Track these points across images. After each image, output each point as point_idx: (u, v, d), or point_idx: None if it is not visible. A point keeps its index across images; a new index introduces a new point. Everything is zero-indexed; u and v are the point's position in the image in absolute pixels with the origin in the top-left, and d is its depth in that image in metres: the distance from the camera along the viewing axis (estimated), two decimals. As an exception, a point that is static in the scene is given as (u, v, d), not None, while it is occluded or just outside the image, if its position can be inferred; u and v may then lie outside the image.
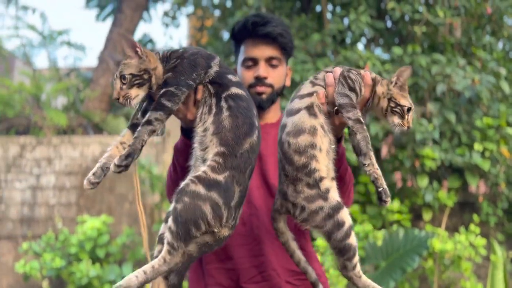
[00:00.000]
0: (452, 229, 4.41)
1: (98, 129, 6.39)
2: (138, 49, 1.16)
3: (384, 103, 1.19)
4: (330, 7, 5.27)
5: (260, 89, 1.62)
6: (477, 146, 4.09)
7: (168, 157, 5.11)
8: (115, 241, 4.48)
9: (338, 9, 5.14)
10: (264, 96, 1.63)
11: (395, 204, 4.04)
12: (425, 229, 4.10)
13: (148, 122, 1.10)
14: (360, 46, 4.96)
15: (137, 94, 1.14)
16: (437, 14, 4.46)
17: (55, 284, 4.47)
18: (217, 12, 6.29)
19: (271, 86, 1.64)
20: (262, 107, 1.64)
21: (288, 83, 1.72)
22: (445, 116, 4.17)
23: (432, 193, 4.14)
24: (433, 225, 4.35)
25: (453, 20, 4.45)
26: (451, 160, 4.14)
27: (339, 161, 1.31)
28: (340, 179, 1.31)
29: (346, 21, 4.73)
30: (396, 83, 1.18)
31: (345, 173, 1.44)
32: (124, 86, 1.13)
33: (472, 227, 3.80)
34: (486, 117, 4.22)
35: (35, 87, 5.92)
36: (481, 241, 3.69)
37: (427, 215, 4.25)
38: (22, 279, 4.58)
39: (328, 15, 5.01)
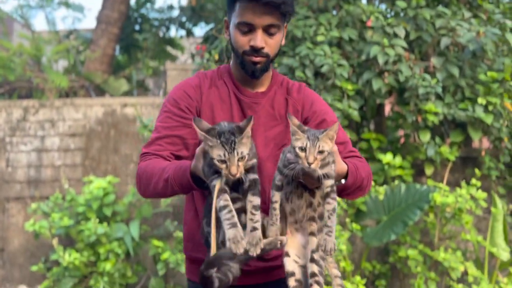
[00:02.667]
0: (454, 184, 4.45)
1: (99, 91, 6.38)
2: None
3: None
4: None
5: (255, 59, 1.56)
6: (481, 100, 4.05)
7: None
8: (121, 200, 4.56)
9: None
10: (258, 66, 1.58)
11: (397, 160, 4.05)
12: (427, 184, 4.14)
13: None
14: (363, 0, 4.84)
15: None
16: (442, -36, 4.32)
17: (65, 242, 4.59)
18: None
19: (267, 55, 1.58)
20: (255, 77, 1.60)
21: (283, 42, 1.65)
22: (448, 71, 4.12)
23: (434, 148, 4.14)
24: (435, 180, 4.38)
25: (459, -29, 4.32)
26: (454, 115, 4.12)
27: (346, 188, 1.49)
28: (361, 188, 1.54)
29: (348, -26, 4.60)
30: (292, 134, 1.32)
31: (361, 182, 1.54)
32: (241, 163, 1.25)
33: (473, 181, 3.83)
34: (490, 71, 4.16)
35: (35, 49, 5.88)
36: (482, 194, 3.72)
37: (429, 170, 4.27)
38: (33, 238, 4.71)
39: (330, -31, 4.86)
